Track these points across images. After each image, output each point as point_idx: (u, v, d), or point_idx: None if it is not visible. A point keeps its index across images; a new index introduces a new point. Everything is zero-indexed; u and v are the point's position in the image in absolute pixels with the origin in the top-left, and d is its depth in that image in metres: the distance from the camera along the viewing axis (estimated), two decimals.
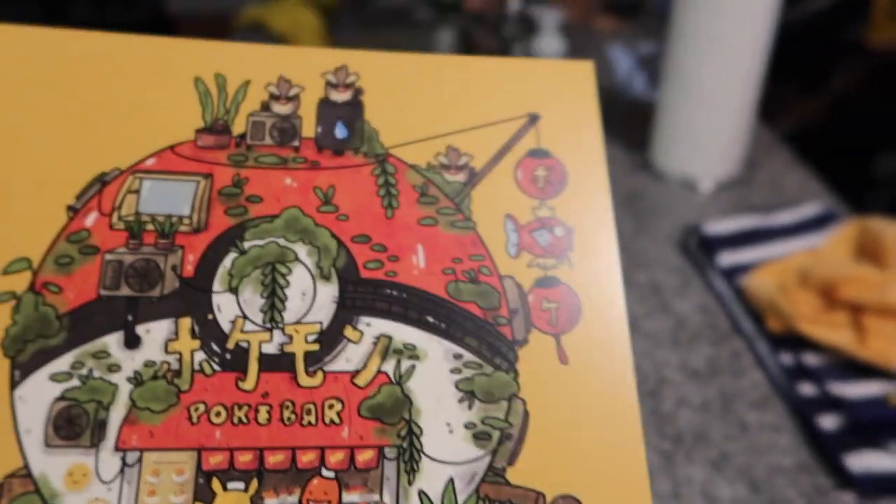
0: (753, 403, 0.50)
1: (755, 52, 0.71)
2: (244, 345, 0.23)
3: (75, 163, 0.24)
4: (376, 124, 0.26)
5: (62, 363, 0.22)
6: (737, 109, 0.74)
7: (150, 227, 0.24)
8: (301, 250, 0.24)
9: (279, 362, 0.23)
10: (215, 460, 0.22)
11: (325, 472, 0.22)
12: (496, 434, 0.23)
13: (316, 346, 0.23)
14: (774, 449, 0.47)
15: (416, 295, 0.24)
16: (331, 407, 0.23)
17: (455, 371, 0.24)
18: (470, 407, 0.23)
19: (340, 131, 0.26)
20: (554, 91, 0.27)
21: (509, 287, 0.25)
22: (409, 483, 0.22)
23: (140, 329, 0.23)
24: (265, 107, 0.26)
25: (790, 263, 0.60)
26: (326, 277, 0.24)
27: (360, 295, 0.24)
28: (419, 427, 0.23)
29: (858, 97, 1.18)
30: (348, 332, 0.24)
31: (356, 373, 0.23)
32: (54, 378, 0.22)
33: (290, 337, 0.23)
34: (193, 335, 0.23)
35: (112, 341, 0.23)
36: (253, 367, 0.23)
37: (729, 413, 0.50)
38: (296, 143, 0.26)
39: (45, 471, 0.21)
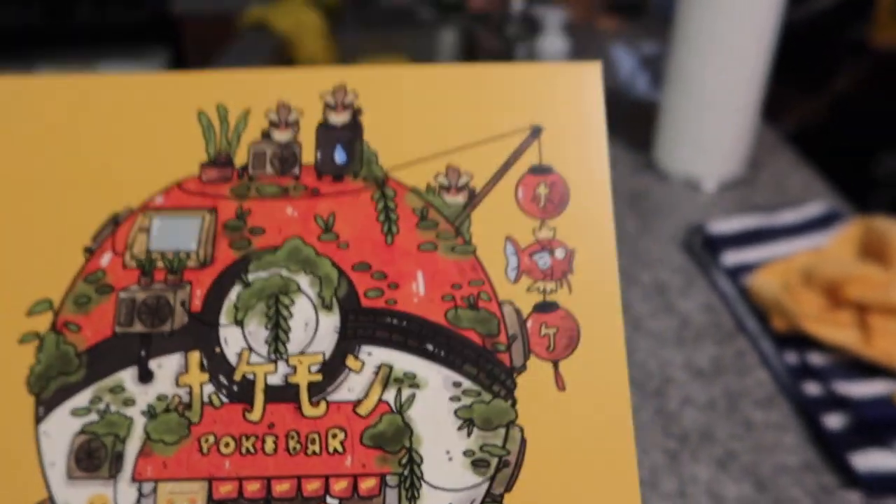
0: (759, 402, 0.50)
1: (758, 52, 0.70)
2: (250, 377, 0.24)
3: (90, 205, 0.25)
4: (375, 145, 0.26)
5: (82, 398, 0.23)
6: (740, 109, 0.73)
7: (160, 263, 0.25)
8: (303, 281, 0.25)
9: (284, 393, 0.24)
10: (225, 489, 0.23)
11: (329, 500, 0.23)
12: (494, 461, 0.23)
13: (319, 377, 0.24)
14: (780, 448, 0.47)
15: (416, 323, 0.24)
16: (334, 436, 0.23)
17: (454, 399, 0.24)
18: (469, 434, 0.24)
19: (340, 156, 0.26)
20: (558, 98, 0.27)
21: (508, 313, 0.25)
22: None
23: (153, 364, 0.24)
24: (265, 135, 0.26)
25: (794, 263, 0.60)
26: (328, 307, 0.24)
27: (362, 324, 0.24)
28: (419, 455, 0.23)
29: (858, 97, 1.17)
30: (350, 361, 0.24)
31: (358, 402, 0.24)
32: (75, 413, 0.23)
33: (294, 368, 0.24)
34: (202, 368, 0.24)
35: (127, 376, 0.24)
36: (259, 398, 0.24)
37: (734, 412, 0.50)
38: (296, 171, 0.26)
39: (68, 501, 0.22)
